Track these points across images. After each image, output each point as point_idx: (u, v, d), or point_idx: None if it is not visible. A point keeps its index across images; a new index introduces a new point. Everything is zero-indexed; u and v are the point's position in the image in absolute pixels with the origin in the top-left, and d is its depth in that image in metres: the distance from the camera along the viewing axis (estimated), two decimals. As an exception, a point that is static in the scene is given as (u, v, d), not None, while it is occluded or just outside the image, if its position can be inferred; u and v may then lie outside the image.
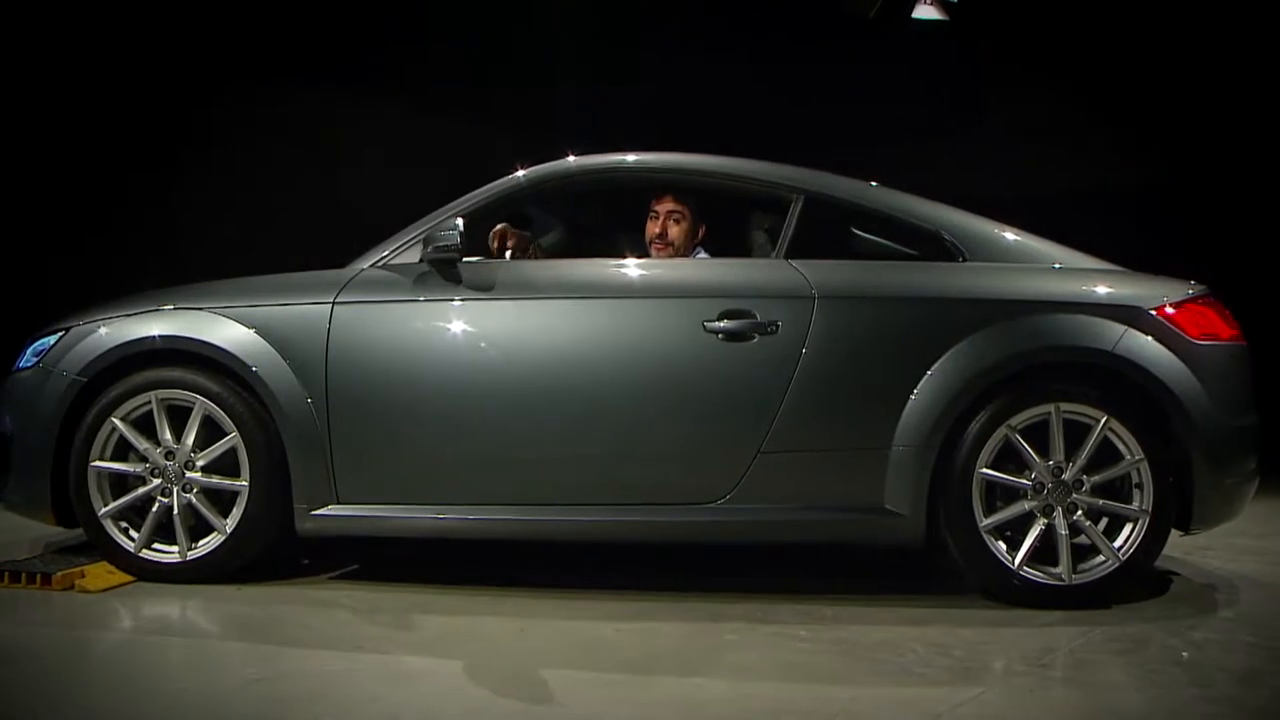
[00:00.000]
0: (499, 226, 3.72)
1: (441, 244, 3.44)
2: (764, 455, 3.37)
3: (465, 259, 3.52)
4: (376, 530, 3.49)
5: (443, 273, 3.51)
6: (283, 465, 3.46)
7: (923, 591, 3.59)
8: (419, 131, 8.52)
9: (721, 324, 3.39)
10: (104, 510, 3.52)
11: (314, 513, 3.46)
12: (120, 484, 3.57)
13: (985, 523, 3.35)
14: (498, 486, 3.44)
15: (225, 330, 3.49)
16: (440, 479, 3.46)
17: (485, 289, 3.48)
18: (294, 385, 3.44)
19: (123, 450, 3.55)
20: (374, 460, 3.47)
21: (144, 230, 7.46)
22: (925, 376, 3.36)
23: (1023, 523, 3.37)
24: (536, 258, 3.83)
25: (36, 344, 3.67)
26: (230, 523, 3.48)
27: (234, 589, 3.45)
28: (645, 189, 3.94)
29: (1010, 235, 3.64)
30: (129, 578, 3.50)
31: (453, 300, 3.48)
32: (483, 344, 3.45)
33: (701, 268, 3.65)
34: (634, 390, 3.41)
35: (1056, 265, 3.57)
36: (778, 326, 3.39)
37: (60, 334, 3.63)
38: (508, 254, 3.71)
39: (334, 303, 3.49)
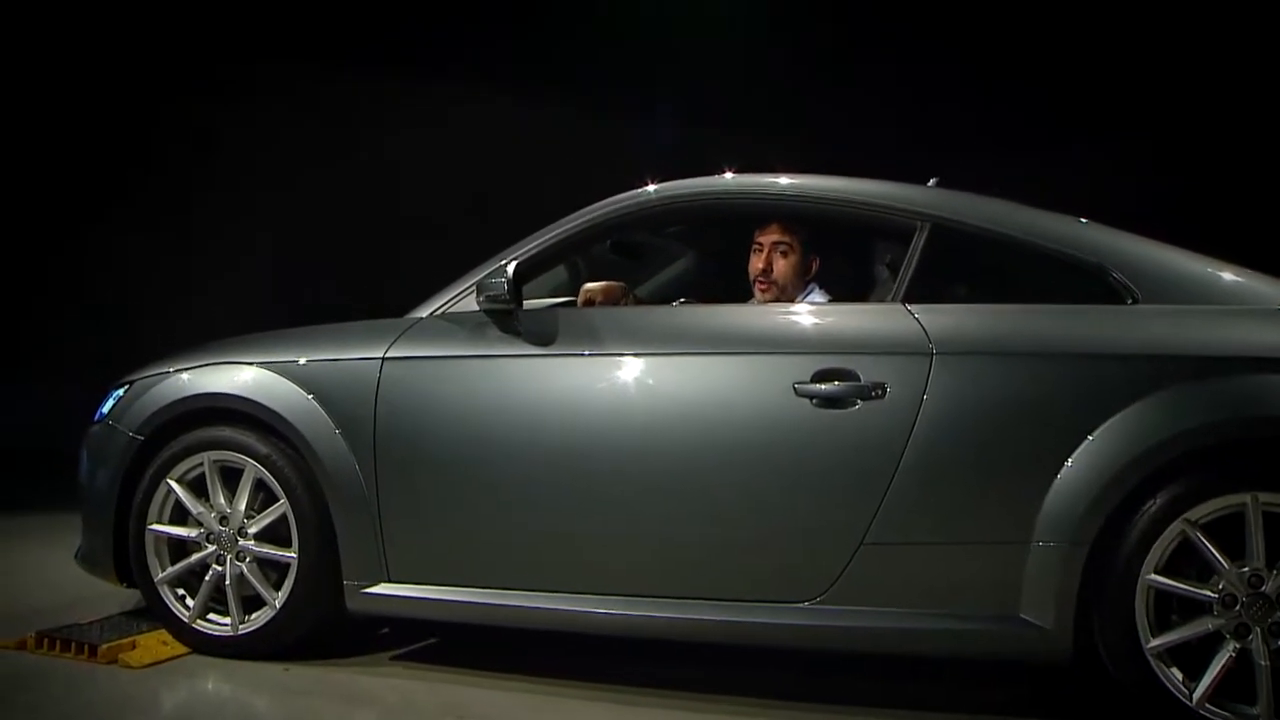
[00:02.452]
0: (587, 288, 3.27)
1: (490, 293, 3.02)
2: (867, 547, 2.76)
3: (526, 305, 3.10)
4: (432, 614, 3.11)
5: (500, 324, 3.09)
6: (333, 537, 3.15)
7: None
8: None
9: (817, 386, 2.80)
10: (160, 576, 3.32)
11: (364, 590, 3.12)
12: (180, 548, 3.36)
13: (1153, 644, 2.61)
14: (551, 570, 2.99)
15: (273, 388, 3.20)
16: (492, 560, 3.04)
17: (544, 343, 3.03)
18: (342, 450, 3.11)
19: (182, 512, 3.33)
20: (427, 536, 3.09)
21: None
22: (1075, 454, 2.65)
23: (1206, 645, 2.61)
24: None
25: (109, 396, 3.52)
26: (281, 596, 3.20)
27: (281, 669, 3.17)
28: (741, 219, 3.38)
29: (1199, 267, 2.85)
30: (182, 649, 3.28)
31: (507, 356, 3.05)
32: (538, 408, 3.00)
33: (796, 316, 3.05)
34: (709, 464, 2.87)
35: (1270, 308, 2.76)
36: (885, 390, 2.76)
37: (126, 387, 3.46)
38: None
39: (383, 358, 3.13)
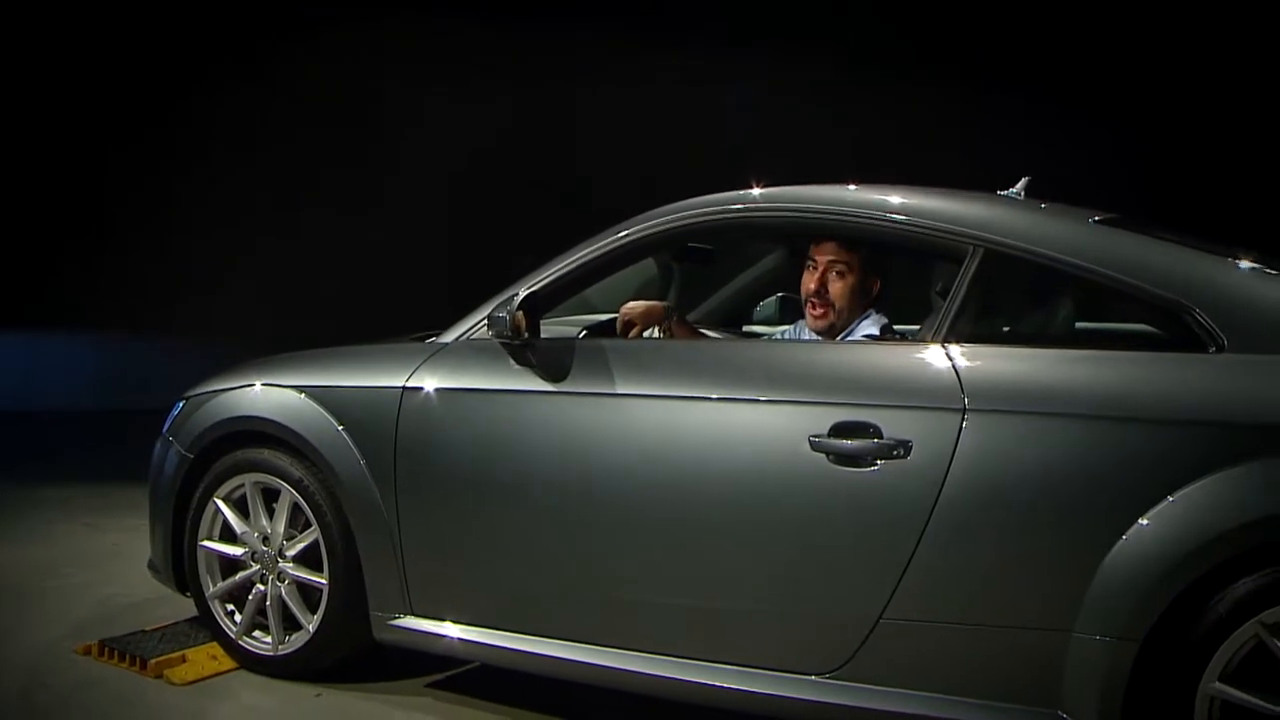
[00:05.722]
0: (626, 309, 3.07)
1: (498, 329, 2.86)
2: (886, 622, 2.47)
3: (544, 336, 2.92)
4: (451, 651, 3.03)
5: (515, 356, 2.93)
6: (360, 566, 3.11)
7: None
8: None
9: (834, 441, 2.50)
10: (211, 591, 3.38)
11: (390, 622, 3.08)
12: (232, 564, 3.42)
13: (1216, 764, 2.22)
14: (564, 620, 2.84)
15: (304, 413, 3.17)
16: (504, 603, 2.93)
17: (557, 379, 2.85)
18: (366, 480, 3.05)
19: (231, 530, 3.37)
20: (445, 573, 3.01)
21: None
22: (1128, 535, 2.26)
23: (1279, 770, 2.19)
24: (672, 335, 3.14)
25: (172, 409, 3.60)
26: (316, 621, 3.20)
27: (314, 693, 3.18)
28: (774, 236, 3.06)
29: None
30: (228, 665, 3.34)
31: (518, 392, 2.89)
32: (548, 448, 2.83)
33: (820, 357, 2.74)
34: (717, 520, 2.63)
35: None
36: (909, 448, 2.44)
37: (182, 403, 3.52)
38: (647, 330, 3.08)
39: (404, 387, 3.04)
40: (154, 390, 5.50)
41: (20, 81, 8.30)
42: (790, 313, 3.75)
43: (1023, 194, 3.05)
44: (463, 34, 8.80)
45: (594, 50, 8.67)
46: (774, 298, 4.01)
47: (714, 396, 2.67)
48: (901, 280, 3.18)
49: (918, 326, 2.94)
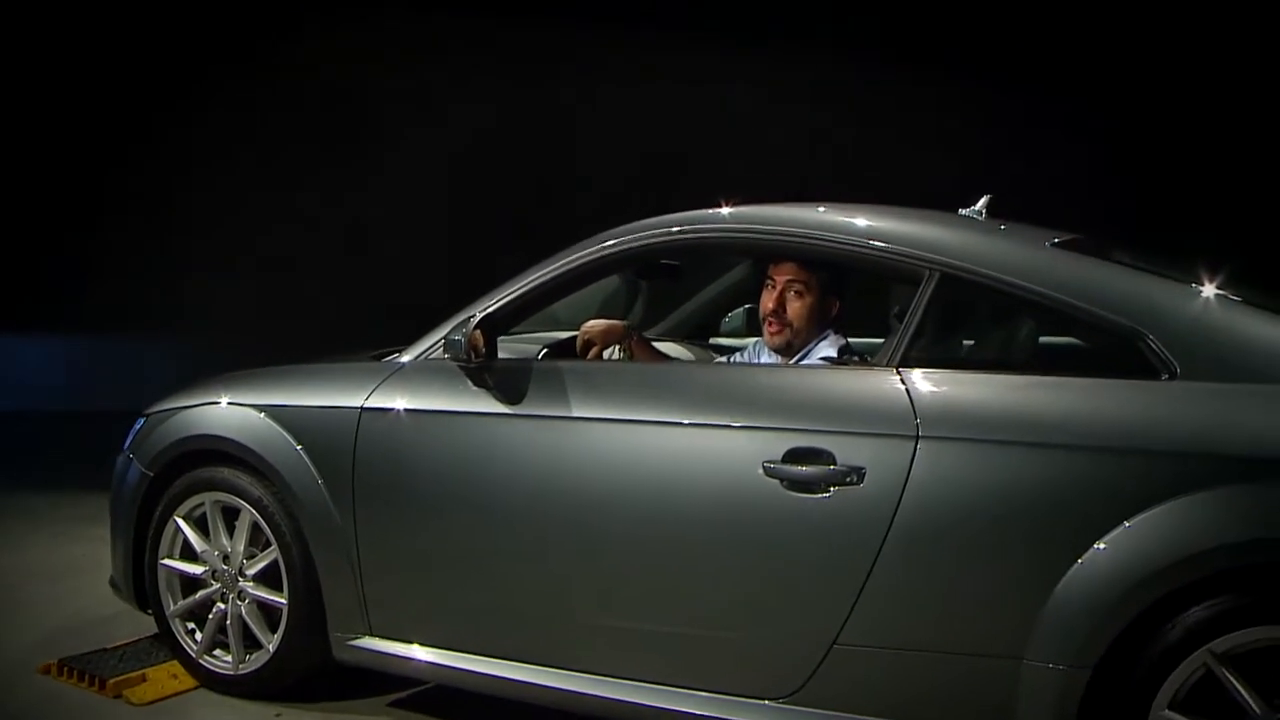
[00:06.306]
0: (586, 328, 3.06)
1: (453, 352, 2.84)
2: (840, 648, 2.46)
3: (502, 357, 2.90)
4: (411, 672, 3.02)
5: (472, 378, 2.90)
6: (320, 586, 3.09)
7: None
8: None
9: (787, 468, 2.48)
10: (171, 610, 3.36)
11: (349, 642, 3.06)
12: (193, 582, 3.39)
13: (1165, 793, 2.22)
14: (519, 642, 2.83)
15: (262, 432, 3.14)
16: (461, 624, 2.91)
17: (513, 401, 2.83)
18: (324, 501, 3.03)
19: (191, 548, 3.34)
20: (403, 594, 2.99)
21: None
22: (1080, 563, 2.25)
23: (1230, 800, 2.19)
24: (632, 354, 3.12)
25: (133, 426, 3.57)
26: (276, 640, 3.18)
27: (274, 713, 3.16)
28: (736, 255, 3.05)
29: (1265, 333, 2.35)
30: (189, 684, 3.32)
31: (475, 414, 2.87)
32: (504, 471, 2.81)
33: (776, 380, 2.72)
34: (672, 545, 2.62)
35: None
36: (862, 475, 2.43)
37: (143, 419, 3.50)
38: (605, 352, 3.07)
39: (362, 408, 3.01)
40: (136, 390, 5.42)
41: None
42: (758, 325, 3.73)
43: (984, 212, 3.04)
44: (461, 33, 8.75)
45: (594, 51, 8.63)
46: (741, 309, 4.00)
47: (669, 421, 2.65)
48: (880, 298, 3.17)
49: (882, 340, 2.93)
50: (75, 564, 4.53)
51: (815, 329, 3.01)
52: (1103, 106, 8.04)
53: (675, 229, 2.86)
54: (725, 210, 2.89)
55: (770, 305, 3.02)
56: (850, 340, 3.08)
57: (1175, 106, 7.99)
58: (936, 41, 8.27)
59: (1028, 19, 8.14)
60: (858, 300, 3.16)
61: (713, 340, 4.04)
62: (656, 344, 3.37)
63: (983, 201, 3.07)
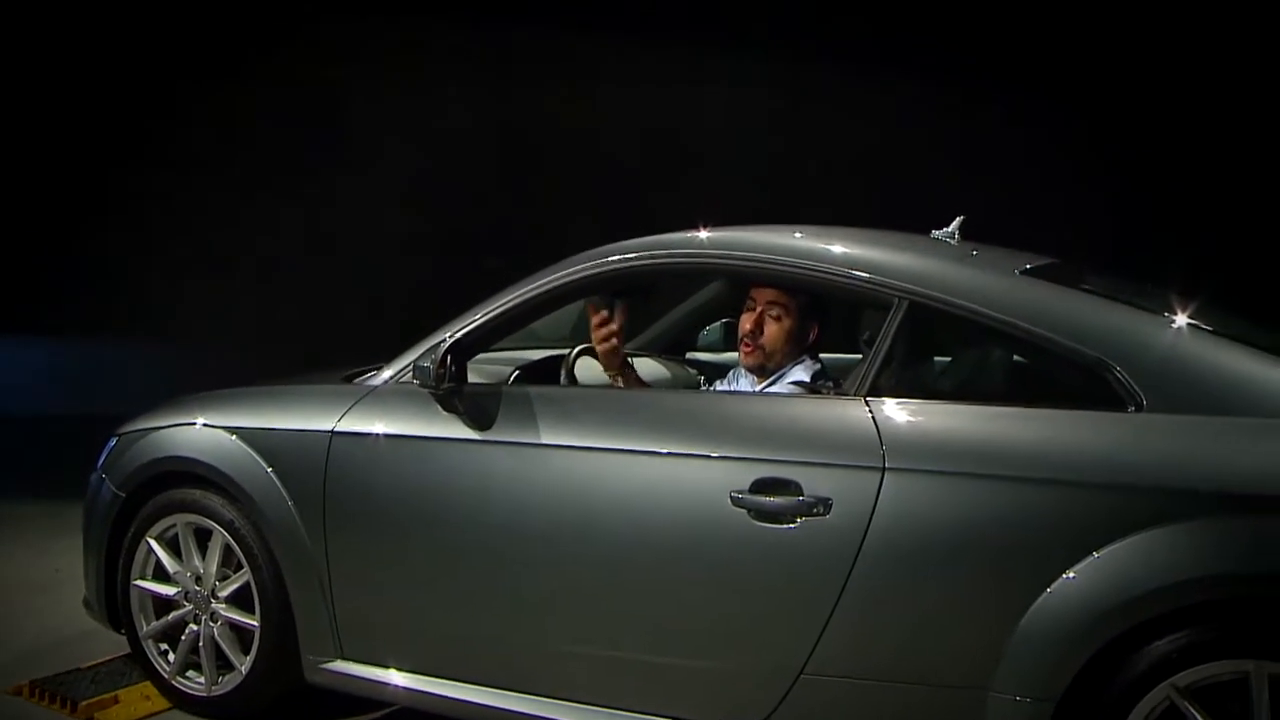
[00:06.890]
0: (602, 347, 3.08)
1: (423, 379, 2.83)
2: (807, 678, 2.46)
3: (473, 382, 2.90)
4: (382, 696, 3.01)
5: (442, 403, 2.89)
6: (291, 609, 3.08)
7: None
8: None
9: (754, 498, 2.48)
10: (144, 631, 3.35)
11: (321, 665, 3.05)
12: (166, 604, 3.38)
13: (1127, 826, 2.22)
14: (488, 666, 2.83)
15: (233, 454, 3.13)
16: (430, 649, 2.91)
17: (483, 427, 2.82)
18: (295, 524, 3.02)
19: (164, 570, 3.33)
20: (373, 618, 2.99)
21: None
22: (1045, 596, 2.26)
23: (1192, 833, 2.20)
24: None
25: (106, 445, 3.55)
26: (248, 662, 3.17)
27: (246, 735, 3.17)
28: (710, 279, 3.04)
29: (1234, 366, 2.35)
30: (163, 706, 3.32)
31: (445, 440, 2.86)
32: (474, 497, 2.80)
33: (745, 409, 2.72)
34: (641, 574, 2.62)
35: None
36: (829, 506, 2.42)
37: (115, 439, 3.48)
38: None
39: (333, 432, 3.00)
40: (123, 394, 5.38)
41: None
42: (734, 339, 3.73)
43: (956, 234, 3.03)
44: (455, 35, 8.72)
45: (593, 50, 8.60)
46: (719, 324, 4.00)
47: (638, 449, 2.64)
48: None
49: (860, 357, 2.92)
50: (52, 578, 4.51)
51: (791, 352, 3.01)
52: (1094, 110, 8.04)
53: (646, 254, 2.85)
54: (700, 234, 2.89)
55: (748, 326, 3.02)
56: (831, 356, 3.07)
57: (1172, 107, 7.99)
58: (936, 41, 8.26)
59: (1027, 19, 8.12)
60: (840, 314, 3.16)
61: (689, 355, 4.03)
62: (634, 358, 3.37)
63: (955, 223, 3.06)
